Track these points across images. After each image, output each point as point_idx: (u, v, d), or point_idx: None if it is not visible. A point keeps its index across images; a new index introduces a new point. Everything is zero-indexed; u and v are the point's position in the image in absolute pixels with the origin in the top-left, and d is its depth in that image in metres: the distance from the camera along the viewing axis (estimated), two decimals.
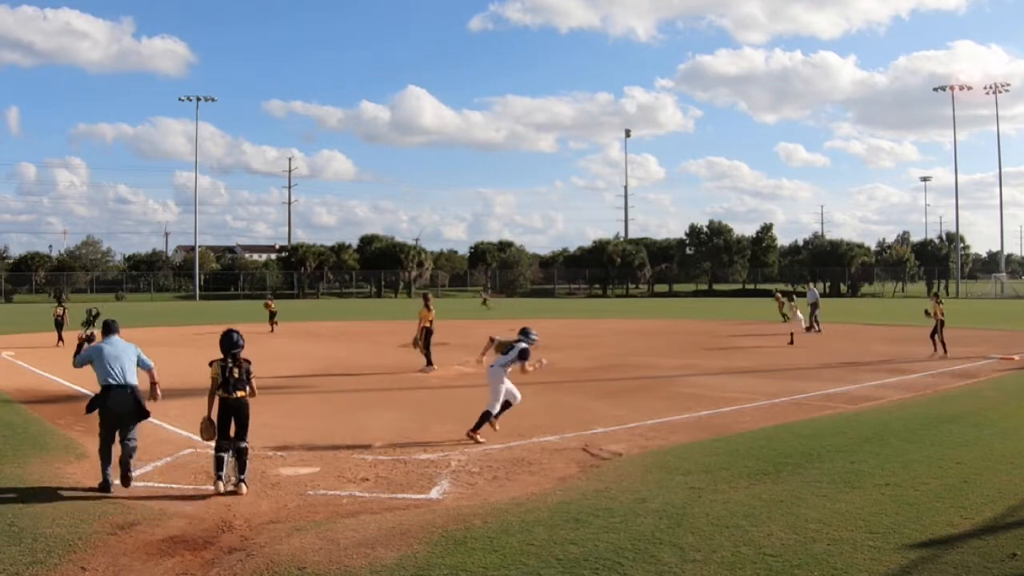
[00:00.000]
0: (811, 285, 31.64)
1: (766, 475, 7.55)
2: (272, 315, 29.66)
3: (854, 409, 11.51)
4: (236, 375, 7.23)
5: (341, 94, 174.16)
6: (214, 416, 7.29)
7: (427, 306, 16.36)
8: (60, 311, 22.46)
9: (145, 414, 7.38)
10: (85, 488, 7.21)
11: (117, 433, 7.23)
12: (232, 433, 7.25)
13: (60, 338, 21.55)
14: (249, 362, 7.41)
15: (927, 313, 18.98)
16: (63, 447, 9.03)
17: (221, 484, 7.13)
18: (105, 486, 7.10)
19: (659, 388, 14.10)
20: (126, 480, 7.14)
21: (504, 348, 9.55)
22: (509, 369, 9.45)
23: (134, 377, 7.38)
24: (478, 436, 9.25)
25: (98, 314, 9.77)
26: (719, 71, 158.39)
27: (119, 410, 7.20)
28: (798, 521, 6.13)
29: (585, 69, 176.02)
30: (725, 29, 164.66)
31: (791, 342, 22.34)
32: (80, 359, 7.60)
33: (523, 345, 9.47)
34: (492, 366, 9.60)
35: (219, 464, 7.21)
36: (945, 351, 18.53)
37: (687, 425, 10.42)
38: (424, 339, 16.35)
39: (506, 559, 5.38)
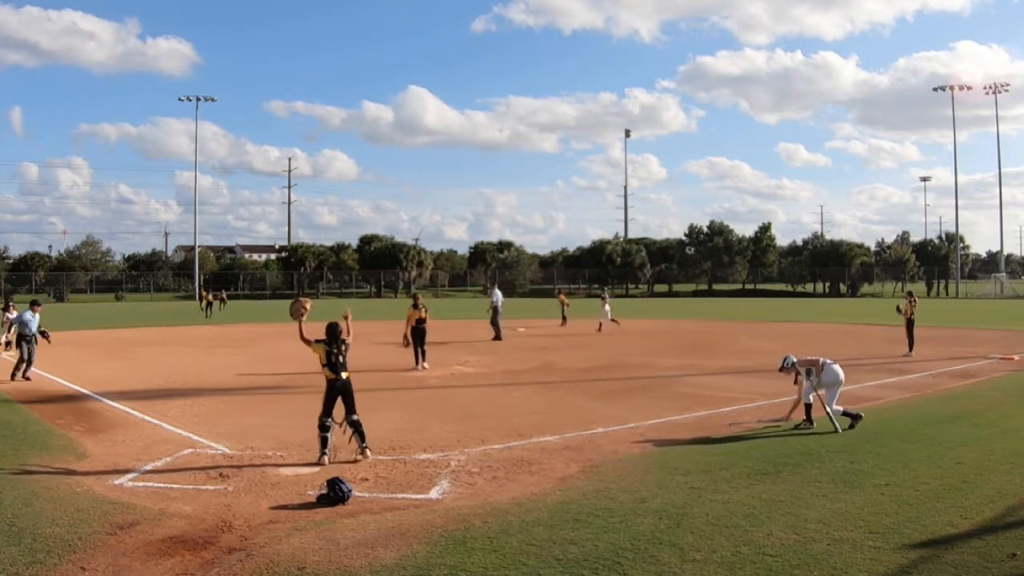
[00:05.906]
0: (495, 287, 28.80)
1: (766, 475, 7.55)
2: (208, 304, 40.07)
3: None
4: (341, 360, 8.46)
5: (344, 94, 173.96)
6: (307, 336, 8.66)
7: (415, 305, 16.86)
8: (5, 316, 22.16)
9: (40, 340, 15.85)
10: (85, 488, 7.21)
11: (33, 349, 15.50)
12: (338, 412, 8.40)
13: (8, 342, 21.13)
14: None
15: (898, 310, 19.33)
16: (63, 447, 9.04)
17: (326, 459, 8.20)
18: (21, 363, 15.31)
19: (659, 388, 14.09)
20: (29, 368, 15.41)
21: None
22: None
23: (35, 328, 15.66)
24: None
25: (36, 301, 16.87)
26: (720, 72, 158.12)
27: (31, 341, 15.45)
28: (798, 521, 6.12)
29: (588, 70, 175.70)
30: (728, 30, 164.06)
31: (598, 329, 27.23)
32: (14, 320, 16.51)
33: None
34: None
35: (324, 443, 8.31)
36: (910, 349, 18.68)
37: (687, 425, 10.41)
38: (415, 338, 16.64)
39: (506, 559, 5.38)
